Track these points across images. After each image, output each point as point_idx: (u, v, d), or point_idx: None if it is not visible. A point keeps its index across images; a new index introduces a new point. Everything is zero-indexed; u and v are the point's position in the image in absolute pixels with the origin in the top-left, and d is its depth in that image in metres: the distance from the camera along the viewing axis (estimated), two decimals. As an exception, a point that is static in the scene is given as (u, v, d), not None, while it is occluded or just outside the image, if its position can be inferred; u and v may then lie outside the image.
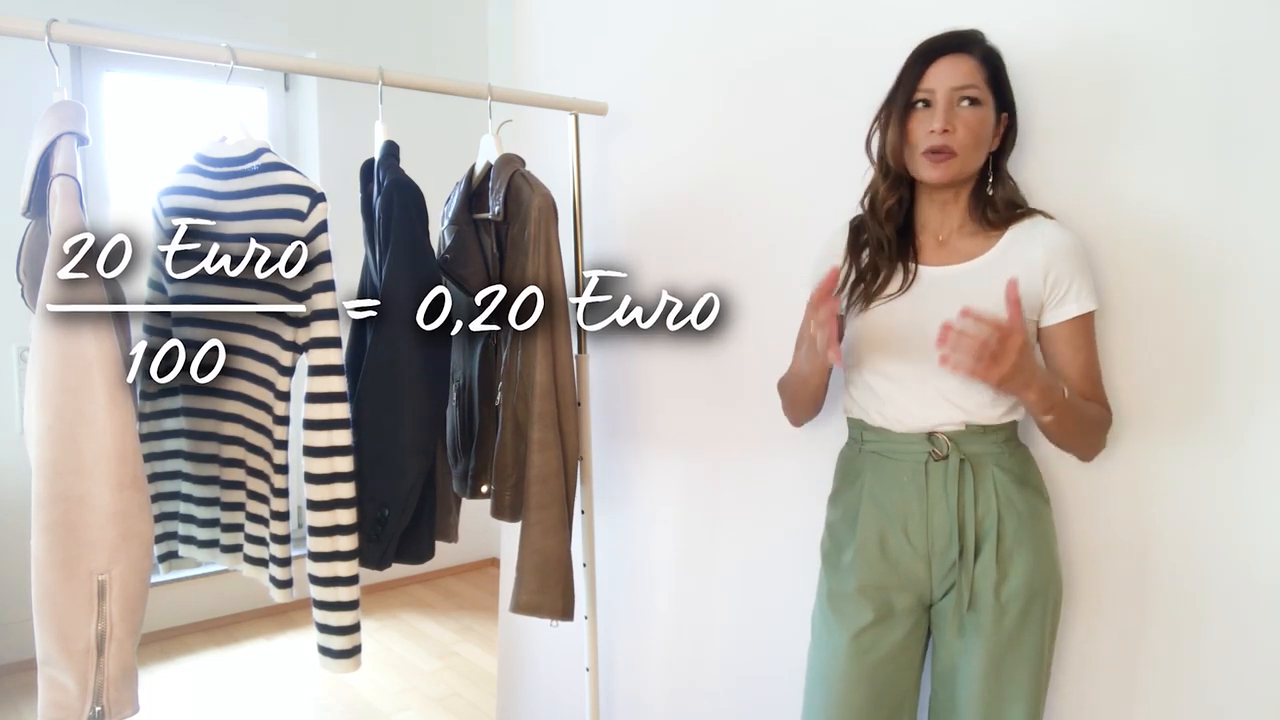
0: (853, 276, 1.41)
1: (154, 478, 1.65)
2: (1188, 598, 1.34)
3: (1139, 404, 1.37)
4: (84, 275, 1.21)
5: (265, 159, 1.51)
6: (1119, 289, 1.37)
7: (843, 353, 1.45)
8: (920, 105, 1.30)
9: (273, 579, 1.57)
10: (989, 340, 1.15)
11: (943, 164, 1.28)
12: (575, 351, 1.91)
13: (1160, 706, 1.37)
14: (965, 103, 1.27)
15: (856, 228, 1.43)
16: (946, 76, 1.27)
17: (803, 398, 1.48)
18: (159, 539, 1.67)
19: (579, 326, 1.99)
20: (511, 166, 1.76)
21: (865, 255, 1.40)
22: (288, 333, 1.51)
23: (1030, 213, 1.34)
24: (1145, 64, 1.33)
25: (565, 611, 1.75)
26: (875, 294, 1.37)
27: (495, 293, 1.77)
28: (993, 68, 1.30)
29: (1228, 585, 1.31)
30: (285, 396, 1.53)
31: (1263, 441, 1.27)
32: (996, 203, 1.34)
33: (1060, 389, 1.25)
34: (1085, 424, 1.30)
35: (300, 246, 1.46)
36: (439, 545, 1.77)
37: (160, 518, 1.66)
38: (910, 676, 1.39)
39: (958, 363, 1.17)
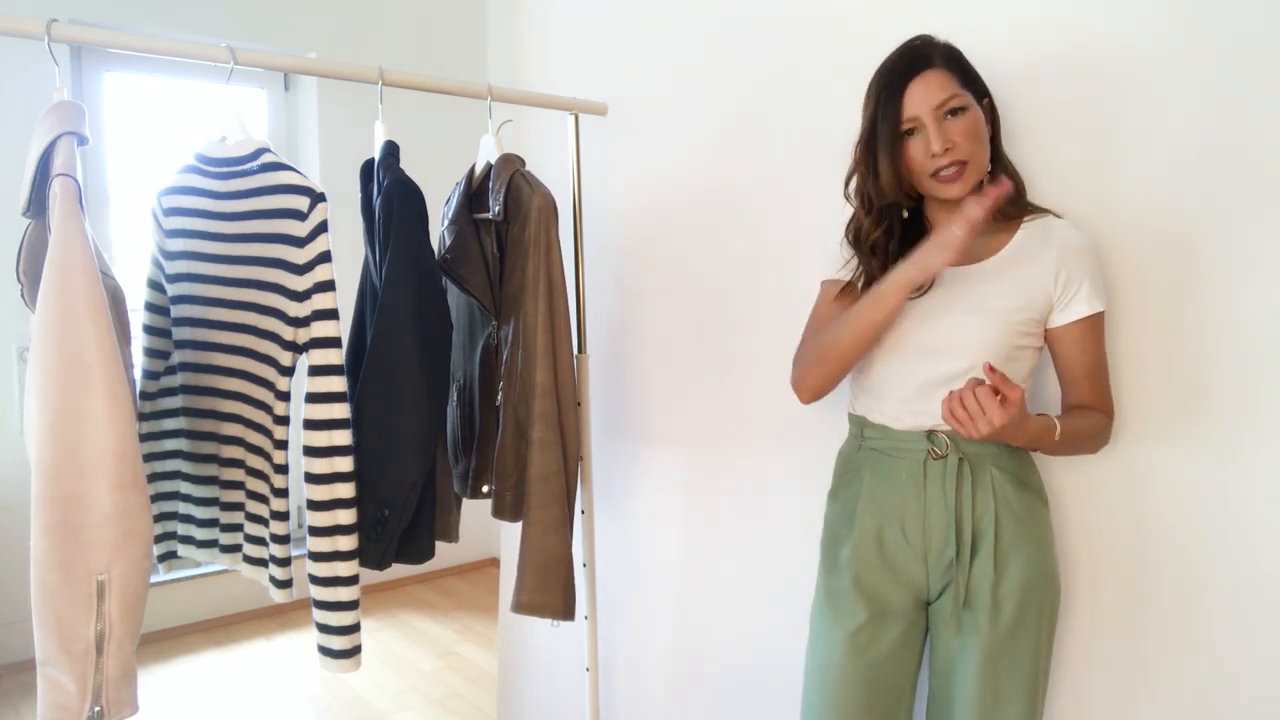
0: (864, 278, 1.39)
1: (154, 478, 1.65)
2: (1186, 598, 1.34)
3: (1138, 404, 1.37)
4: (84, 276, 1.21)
5: (265, 159, 1.51)
6: (1123, 290, 1.37)
7: None
8: (909, 134, 1.28)
9: (272, 579, 1.57)
10: (962, 415, 1.17)
11: (958, 179, 1.26)
12: (575, 351, 1.91)
13: (1158, 707, 1.37)
14: (952, 115, 1.26)
15: (857, 237, 1.40)
16: (924, 98, 1.25)
17: (847, 352, 1.34)
18: (158, 539, 1.67)
19: (579, 326, 1.99)
20: (511, 166, 1.76)
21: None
22: (287, 333, 1.50)
23: (1041, 212, 1.34)
24: (1150, 65, 1.33)
25: (566, 611, 1.75)
26: None
27: (500, 297, 1.77)
28: (959, 68, 1.28)
29: (1226, 585, 1.31)
30: (285, 396, 1.53)
31: (1262, 443, 1.27)
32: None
33: (1051, 434, 1.25)
34: (1079, 445, 1.32)
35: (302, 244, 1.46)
36: (439, 545, 1.77)
37: (160, 518, 1.66)
38: (908, 674, 1.39)
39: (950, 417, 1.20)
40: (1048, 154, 1.42)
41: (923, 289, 1.32)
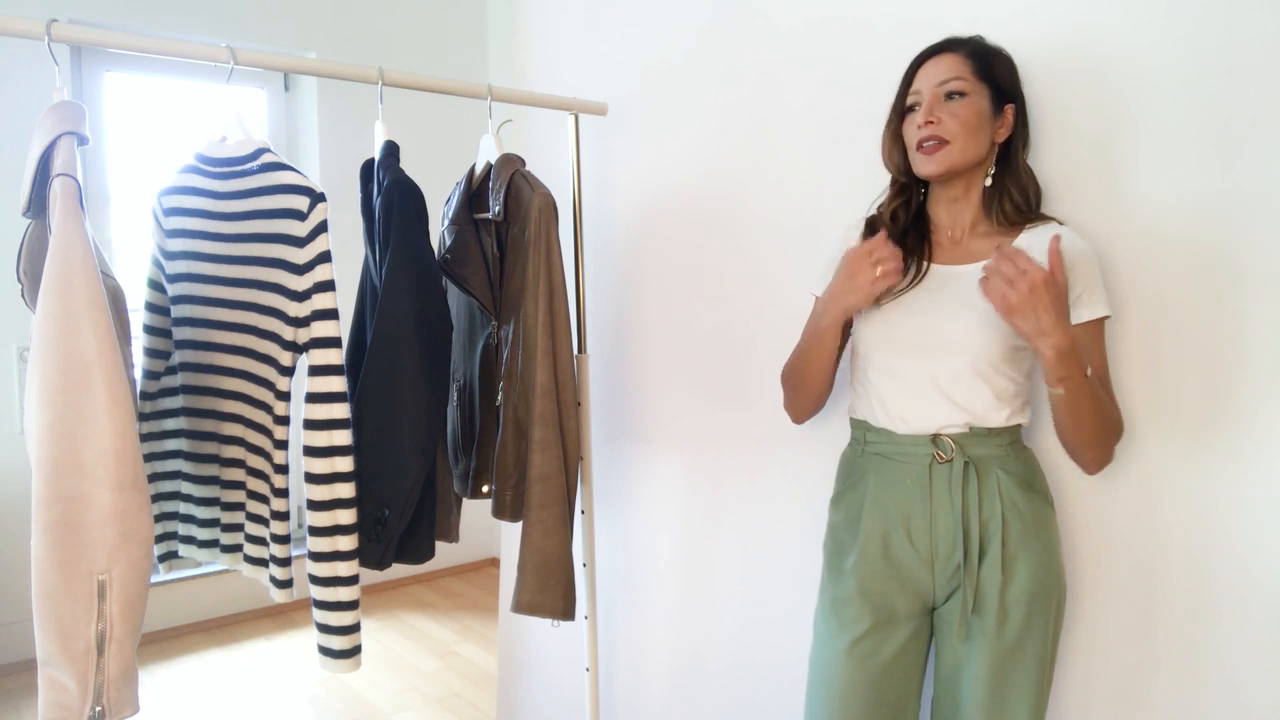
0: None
1: (154, 478, 1.65)
2: (1192, 601, 1.34)
3: (1145, 409, 1.36)
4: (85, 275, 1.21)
5: (265, 159, 1.51)
6: (1132, 296, 1.36)
7: (851, 350, 1.45)
8: (912, 110, 1.34)
9: (273, 579, 1.57)
10: (1008, 269, 1.17)
11: (935, 154, 1.30)
12: (575, 351, 1.91)
13: (1164, 711, 1.37)
14: (952, 97, 1.29)
15: (871, 224, 1.44)
16: (930, 76, 1.32)
17: (810, 379, 1.44)
18: (159, 539, 1.67)
19: (579, 326, 1.99)
20: (511, 166, 1.76)
21: None
22: (288, 333, 1.51)
23: (1045, 219, 1.34)
24: (1155, 66, 1.33)
25: (566, 611, 1.75)
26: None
27: (500, 297, 1.77)
28: (981, 60, 1.31)
29: (1232, 589, 1.30)
30: (285, 396, 1.53)
31: (1269, 447, 1.27)
32: (1011, 197, 1.33)
33: (1083, 363, 1.20)
34: (1098, 415, 1.25)
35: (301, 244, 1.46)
36: (439, 545, 1.77)
37: (160, 518, 1.66)
38: (912, 680, 1.38)
39: (986, 287, 1.21)
40: (1056, 156, 1.41)
41: (909, 285, 1.35)
